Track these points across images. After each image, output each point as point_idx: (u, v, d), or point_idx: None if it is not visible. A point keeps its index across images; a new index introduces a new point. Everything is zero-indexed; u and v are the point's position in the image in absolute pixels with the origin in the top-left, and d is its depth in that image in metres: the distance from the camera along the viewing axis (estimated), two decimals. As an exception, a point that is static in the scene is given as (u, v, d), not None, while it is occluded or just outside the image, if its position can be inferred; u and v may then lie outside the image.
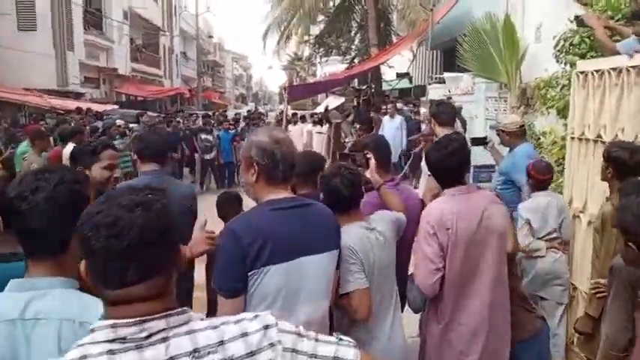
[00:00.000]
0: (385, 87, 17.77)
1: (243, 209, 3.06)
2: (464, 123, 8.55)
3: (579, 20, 3.69)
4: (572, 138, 3.57)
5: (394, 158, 10.03)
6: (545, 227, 3.40)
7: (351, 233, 2.16)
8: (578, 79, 3.49)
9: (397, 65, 17.86)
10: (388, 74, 18.72)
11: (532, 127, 6.95)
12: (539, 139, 6.56)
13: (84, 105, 14.00)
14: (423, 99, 12.54)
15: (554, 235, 3.42)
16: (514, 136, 4.03)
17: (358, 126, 11.26)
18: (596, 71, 3.28)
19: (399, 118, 10.59)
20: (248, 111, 20.65)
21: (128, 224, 0.97)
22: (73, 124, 9.27)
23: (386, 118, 10.67)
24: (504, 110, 8.49)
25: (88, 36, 19.49)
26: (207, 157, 11.22)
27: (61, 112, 12.79)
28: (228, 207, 3.33)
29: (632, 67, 2.95)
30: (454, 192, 2.34)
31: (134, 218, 0.97)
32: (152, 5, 27.75)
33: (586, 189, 3.41)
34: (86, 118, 11.57)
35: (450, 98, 11.34)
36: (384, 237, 2.26)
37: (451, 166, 2.35)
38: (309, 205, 1.82)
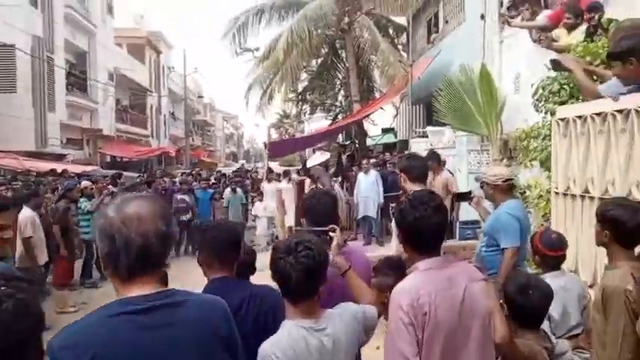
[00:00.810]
0: (370, 142, 17.66)
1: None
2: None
3: (555, 63, 3.35)
4: (557, 193, 3.15)
5: (371, 213, 9.65)
6: (567, 320, 2.65)
7: (283, 336, 1.65)
8: (559, 127, 3.12)
9: (382, 121, 17.81)
10: (373, 130, 18.66)
11: (516, 180, 6.59)
12: (525, 192, 6.18)
13: (60, 167, 13.57)
14: (407, 152, 12.31)
15: (578, 330, 2.66)
16: (499, 190, 3.52)
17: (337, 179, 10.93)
18: (579, 117, 2.91)
19: (374, 173, 10.29)
20: (238, 169, 20.25)
21: None
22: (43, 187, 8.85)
23: (361, 174, 10.39)
24: (487, 163, 8.18)
25: (71, 97, 19.38)
26: (183, 218, 10.70)
27: (34, 173, 12.33)
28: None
29: (618, 111, 2.58)
30: (428, 265, 1.88)
31: None
32: (139, 66, 28.04)
33: (576, 253, 2.95)
34: (60, 179, 11.13)
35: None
36: (335, 341, 1.71)
37: (425, 232, 1.91)
38: (183, 303, 1.28)
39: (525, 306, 2.24)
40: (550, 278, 2.67)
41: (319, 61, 17.23)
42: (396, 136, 17.66)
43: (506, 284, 2.42)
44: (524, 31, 7.00)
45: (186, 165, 31.43)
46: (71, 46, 20.04)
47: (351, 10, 14.77)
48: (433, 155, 7.40)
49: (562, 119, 3.09)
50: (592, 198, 2.79)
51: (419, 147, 12.24)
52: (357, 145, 15.67)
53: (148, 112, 30.70)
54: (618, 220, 2.19)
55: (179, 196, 10.75)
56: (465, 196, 4.80)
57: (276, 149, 12.22)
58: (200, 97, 48.02)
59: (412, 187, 3.50)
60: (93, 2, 21.83)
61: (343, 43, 15.71)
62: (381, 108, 16.31)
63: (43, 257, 6.39)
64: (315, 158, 19.85)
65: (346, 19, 14.60)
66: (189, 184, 11.37)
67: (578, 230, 2.92)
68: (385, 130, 17.82)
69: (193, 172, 14.12)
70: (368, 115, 14.04)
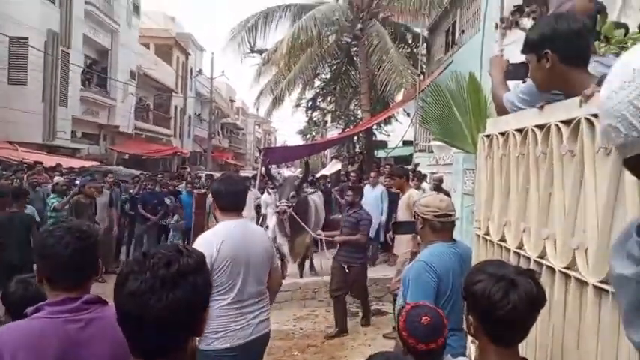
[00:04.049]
0: (383, 154, 16.82)
1: None
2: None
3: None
4: (478, 236, 2.32)
5: (371, 232, 8.76)
6: None
7: None
8: (484, 146, 2.30)
9: (401, 133, 16.98)
10: (393, 142, 17.85)
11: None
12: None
13: (57, 160, 13.27)
14: (409, 167, 11.50)
15: None
16: (428, 227, 2.62)
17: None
18: (502, 134, 2.09)
19: (380, 188, 9.47)
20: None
21: None
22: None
23: (367, 187, 9.65)
24: (481, 185, 7.27)
25: (87, 93, 19.31)
26: (163, 222, 10.15)
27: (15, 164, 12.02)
28: None
29: (539, 127, 1.75)
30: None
31: None
32: (165, 67, 28.00)
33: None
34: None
35: (417, 166, 10.36)
36: None
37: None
38: None
39: None
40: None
41: (334, 68, 16.56)
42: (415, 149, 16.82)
43: None
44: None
45: (207, 167, 31.15)
46: (92, 42, 20.04)
47: (365, 16, 14.03)
48: (397, 170, 6.57)
49: (487, 136, 2.27)
50: (508, 250, 1.95)
51: (421, 162, 11.38)
52: (363, 156, 14.89)
53: (172, 112, 30.64)
54: (484, 301, 1.36)
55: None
56: (406, 228, 4.00)
57: (271, 156, 11.55)
58: (232, 100, 48.13)
59: (222, 219, 2.83)
60: (118, 1, 21.81)
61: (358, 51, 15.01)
62: (396, 119, 15.46)
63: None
64: (330, 167, 19.13)
65: (359, 25, 13.88)
66: (173, 187, 10.81)
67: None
68: (406, 143, 17.00)
69: (177, 173, 13.57)
70: (371, 127, 13.24)
